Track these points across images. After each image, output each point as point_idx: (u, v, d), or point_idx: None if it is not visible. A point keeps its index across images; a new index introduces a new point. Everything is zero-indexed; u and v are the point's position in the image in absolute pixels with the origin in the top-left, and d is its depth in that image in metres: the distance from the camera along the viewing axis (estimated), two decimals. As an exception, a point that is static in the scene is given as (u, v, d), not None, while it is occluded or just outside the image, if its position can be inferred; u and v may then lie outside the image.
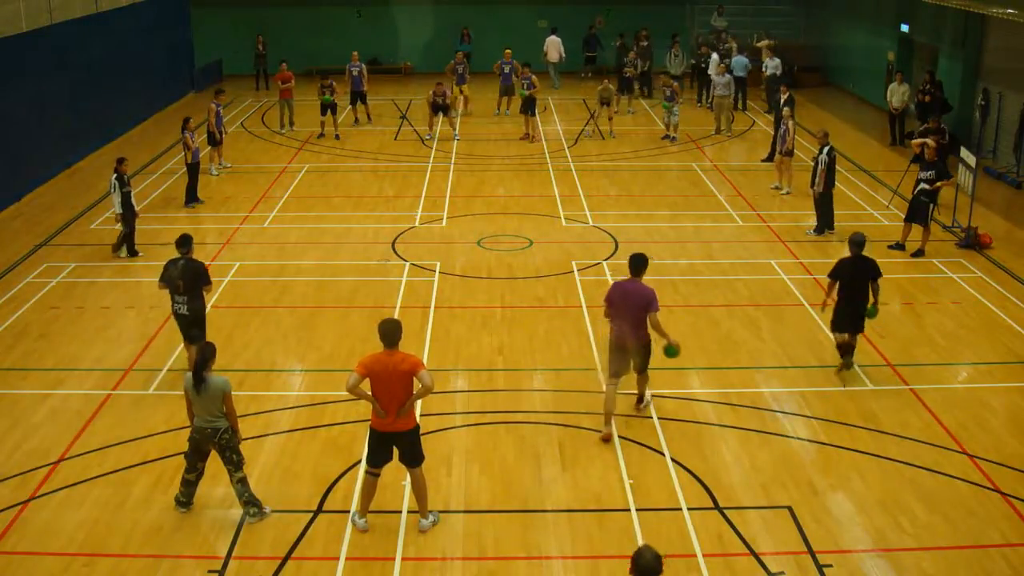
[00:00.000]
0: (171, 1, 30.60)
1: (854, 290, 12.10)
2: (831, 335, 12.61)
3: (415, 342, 13.20)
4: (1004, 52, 22.58)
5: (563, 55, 31.55)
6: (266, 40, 31.49)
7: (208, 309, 12.55)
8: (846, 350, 12.26)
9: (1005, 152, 22.21)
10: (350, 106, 26.54)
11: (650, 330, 10.73)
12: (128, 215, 16.43)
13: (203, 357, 9.22)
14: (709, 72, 28.24)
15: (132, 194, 16.48)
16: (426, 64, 34.03)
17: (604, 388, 11.15)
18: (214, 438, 9.28)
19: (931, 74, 23.95)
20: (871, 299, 12.13)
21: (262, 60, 31.47)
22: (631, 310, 10.64)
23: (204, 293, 12.06)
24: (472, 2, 34.03)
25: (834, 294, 12.27)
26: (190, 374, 9.26)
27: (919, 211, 16.58)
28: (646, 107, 28.92)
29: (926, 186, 16.44)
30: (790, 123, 19.82)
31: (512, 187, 20.95)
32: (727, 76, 25.41)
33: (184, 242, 12.05)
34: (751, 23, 32.58)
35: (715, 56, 28.07)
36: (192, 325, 12.09)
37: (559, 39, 31.49)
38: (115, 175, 16.20)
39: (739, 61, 27.76)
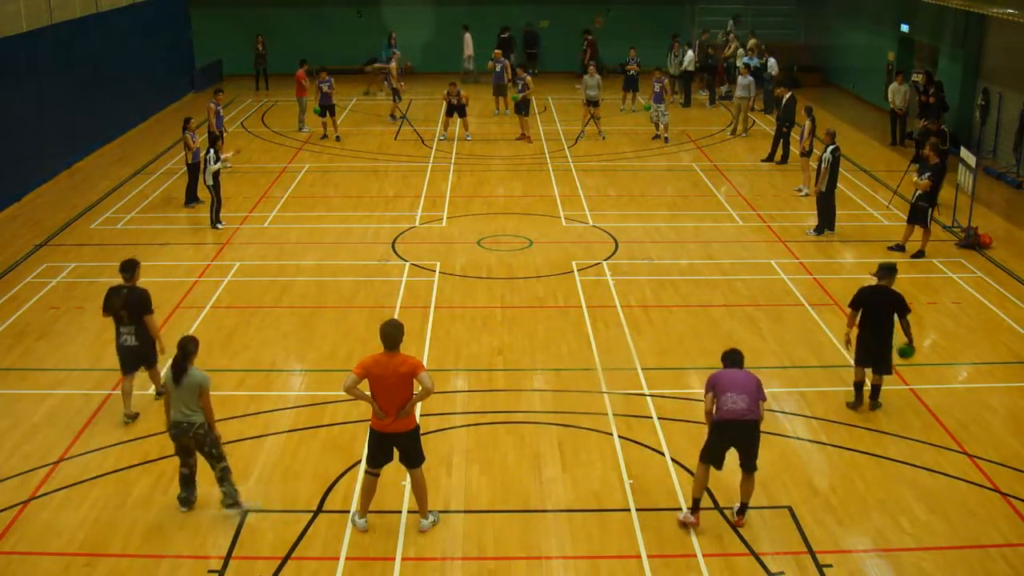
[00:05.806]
0: (171, 1, 30.59)
1: (875, 321, 11.25)
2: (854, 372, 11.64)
3: (415, 342, 13.20)
4: (1004, 52, 22.58)
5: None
6: (266, 40, 31.47)
7: (163, 331, 11.90)
8: (873, 391, 11.51)
9: (1005, 152, 22.21)
10: (321, 118, 25.02)
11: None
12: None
13: (185, 352, 9.29)
14: (683, 65, 28.48)
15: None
16: (426, 64, 34.01)
17: (696, 472, 9.47)
18: (189, 432, 9.31)
19: (929, 74, 23.94)
20: (904, 336, 11.20)
21: (262, 60, 31.45)
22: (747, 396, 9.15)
23: (148, 321, 11.03)
24: (472, 2, 34.01)
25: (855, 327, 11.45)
26: (169, 366, 9.31)
27: (917, 213, 16.58)
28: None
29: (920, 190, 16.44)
30: (807, 123, 19.78)
31: (512, 187, 20.94)
32: (749, 78, 25.42)
33: (127, 267, 11.13)
34: (752, 23, 32.57)
35: (690, 53, 28.69)
36: (139, 358, 11.11)
37: (470, 36, 32.32)
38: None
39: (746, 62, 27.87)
